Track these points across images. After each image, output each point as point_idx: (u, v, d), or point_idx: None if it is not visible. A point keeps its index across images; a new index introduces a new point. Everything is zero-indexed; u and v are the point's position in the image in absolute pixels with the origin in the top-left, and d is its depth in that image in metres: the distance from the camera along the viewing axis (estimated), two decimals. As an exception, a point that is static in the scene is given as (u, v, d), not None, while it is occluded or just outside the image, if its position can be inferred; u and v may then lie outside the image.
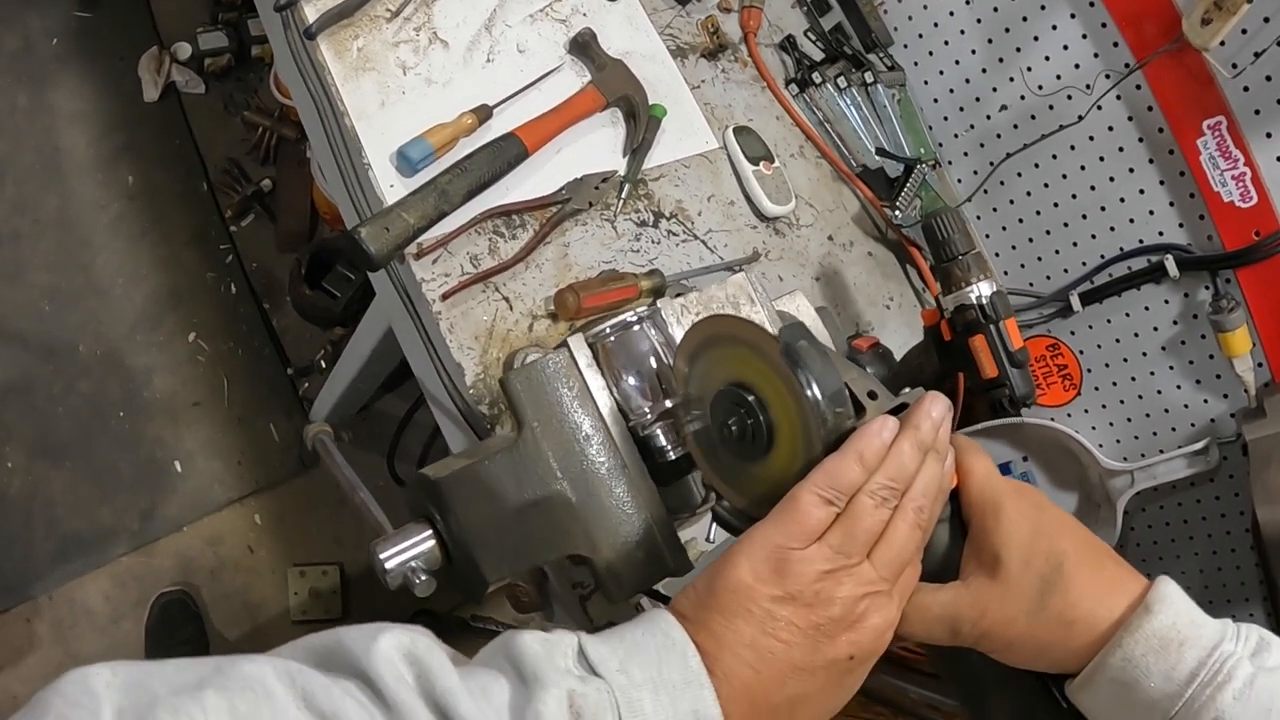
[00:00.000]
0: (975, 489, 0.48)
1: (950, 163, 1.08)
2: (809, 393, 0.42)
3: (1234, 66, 0.86)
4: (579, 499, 0.52)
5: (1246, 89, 0.86)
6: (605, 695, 0.37)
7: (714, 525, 0.55)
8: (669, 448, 0.54)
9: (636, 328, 0.54)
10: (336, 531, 1.48)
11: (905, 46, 1.07)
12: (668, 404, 0.53)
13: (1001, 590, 0.46)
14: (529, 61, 0.87)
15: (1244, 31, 0.85)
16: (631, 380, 0.54)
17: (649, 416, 0.53)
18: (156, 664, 0.34)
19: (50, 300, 1.44)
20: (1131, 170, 0.95)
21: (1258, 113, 0.86)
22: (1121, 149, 0.95)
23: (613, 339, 0.54)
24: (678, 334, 0.56)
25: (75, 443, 1.40)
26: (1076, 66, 0.96)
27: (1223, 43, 0.85)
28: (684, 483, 0.61)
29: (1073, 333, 1.04)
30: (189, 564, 1.40)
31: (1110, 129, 0.95)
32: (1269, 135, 0.86)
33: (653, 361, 0.54)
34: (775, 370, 0.44)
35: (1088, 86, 0.94)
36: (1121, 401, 1.03)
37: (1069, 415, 1.06)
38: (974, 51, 1.02)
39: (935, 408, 0.44)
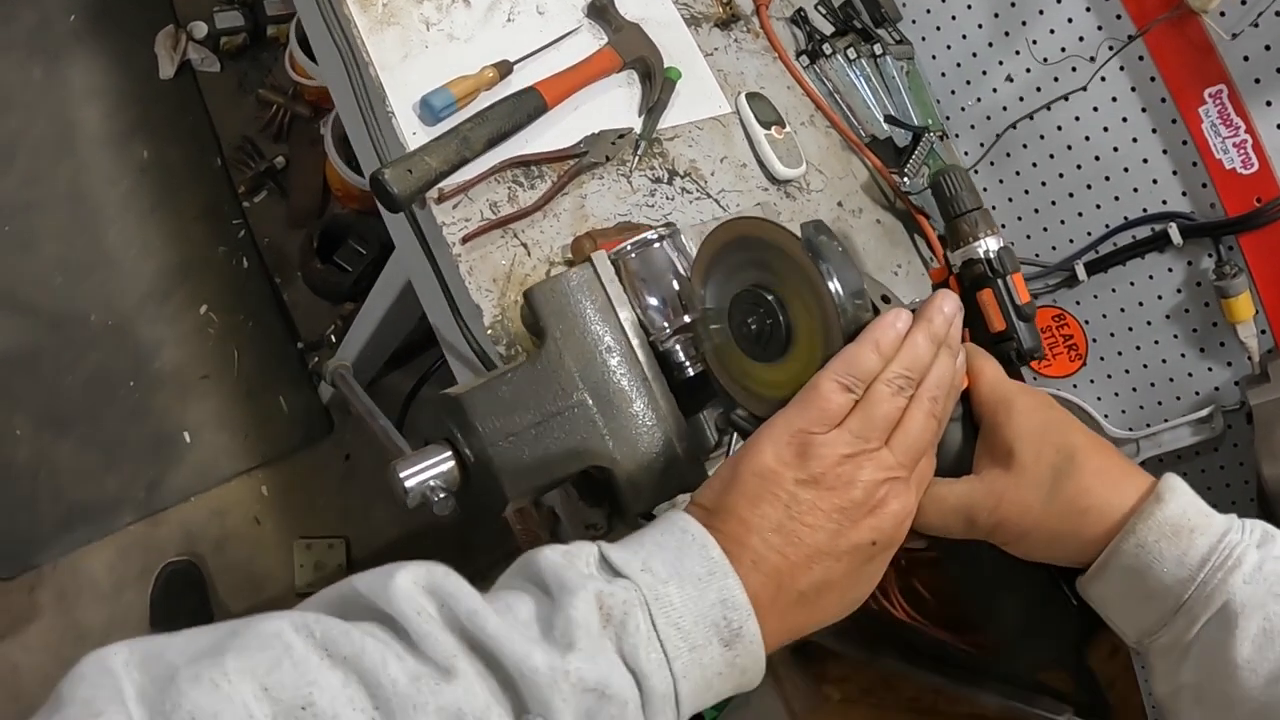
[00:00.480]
0: (986, 388, 0.49)
1: (957, 135, 1.10)
2: (830, 284, 0.43)
3: (1233, 38, 0.88)
4: (600, 409, 0.53)
5: (1246, 58, 0.88)
6: (633, 593, 0.38)
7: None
8: (686, 363, 0.55)
9: (657, 245, 0.55)
10: (343, 505, 1.48)
11: (913, 22, 1.09)
12: (686, 319, 0.54)
13: (1016, 479, 0.47)
14: (548, 23, 0.89)
15: (1243, 2, 0.87)
16: (651, 297, 0.55)
17: (668, 330, 0.54)
18: (170, 636, 0.33)
19: (61, 271, 1.45)
20: (1135, 140, 0.97)
21: (1258, 81, 0.88)
22: (1125, 119, 0.97)
23: (634, 256, 0.55)
24: (695, 252, 0.57)
25: (83, 412, 1.41)
26: (1081, 39, 0.98)
27: (1223, 13, 0.87)
28: (697, 424, 0.62)
29: (1078, 303, 1.05)
30: (195, 535, 1.41)
31: (1114, 99, 0.97)
32: (1269, 103, 0.88)
33: (672, 278, 0.55)
34: (795, 265, 0.45)
35: (1091, 58, 0.96)
36: (1127, 371, 1.04)
37: (1074, 386, 1.08)
38: (980, 26, 1.04)
39: (947, 303, 0.46)
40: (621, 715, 0.36)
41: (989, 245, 0.82)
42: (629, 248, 0.55)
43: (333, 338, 1.46)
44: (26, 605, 1.34)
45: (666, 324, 0.55)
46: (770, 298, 0.46)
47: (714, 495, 0.43)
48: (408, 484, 0.55)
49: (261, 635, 0.33)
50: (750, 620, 0.39)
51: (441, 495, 0.56)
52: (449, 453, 0.57)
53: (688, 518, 0.42)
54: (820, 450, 0.41)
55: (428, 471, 0.56)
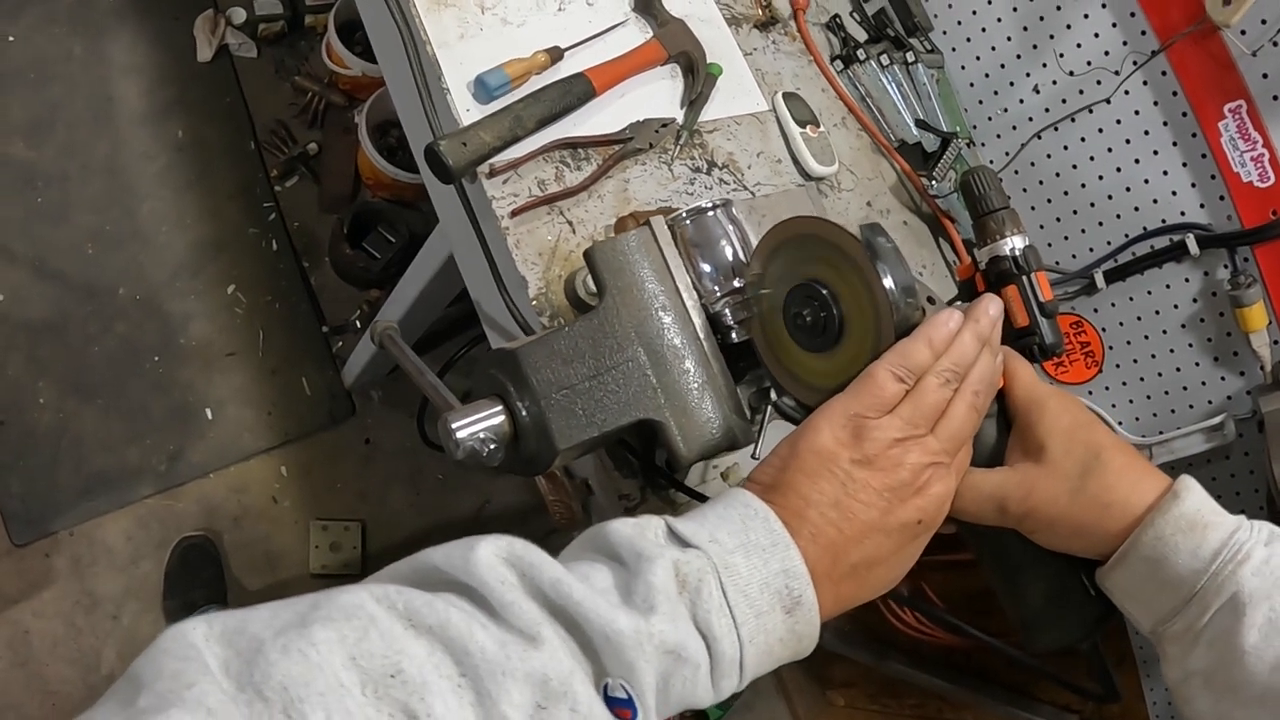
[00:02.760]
0: (1021, 388, 0.53)
1: (983, 144, 1.13)
2: (886, 281, 0.47)
3: (1254, 54, 0.91)
4: (653, 365, 0.55)
5: (1265, 75, 0.91)
6: (705, 561, 0.40)
7: (760, 444, 0.58)
8: (734, 327, 0.57)
9: (711, 214, 0.58)
10: (361, 488, 1.50)
11: (944, 33, 1.12)
12: (736, 284, 0.57)
13: (1046, 472, 0.50)
14: (597, 14, 0.93)
15: (1263, 21, 0.91)
16: (704, 263, 0.57)
17: (718, 294, 0.57)
18: (248, 611, 0.33)
19: (93, 242, 1.47)
20: (1156, 153, 1.00)
21: (1276, 98, 0.91)
22: (1147, 132, 1.00)
23: (689, 222, 0.57)
24: (746, 225, 0.60)
25: (108, 383, 1.43)
26: (1106, 53, 1.01)
27: (1243, 31, 0.91)
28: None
29: (1096, 310, 1.08)
30: (212, 510, 1.42)
31: (1136, 113, 1.00)
32: (1287, 120, 0.91)
33: (724, 245, 0.58)
34: (852, 263, 0.48)
35: (1116, 72, 1.00)
36: (1142, 378, 1.06)
37: (1090, 393, 1.10)
38: (1009, 38, 1.08)
39: (992, 306, 0.50)
40: (693, 678, 0.38)
41: (1015, 243, 0.84)
42: (684, 215, 0.58)
43: (358, 323, 1.49)
44: (41, 571, 1.35)
45: (717, 288, 0.57)
46: (825, 292, 0.49)
47: (773, 473, 0.45)
48: (459, 435, 0.57)
49: (344, 607, 0.33)
50: (809, 589, 0.41)
51: (492, 447, 0.58)
52: (500, 407, 0.59)
53: (748, 493, 0.44)
54: (874, 433, 0.44)
55: (479, 424, 0.58)
